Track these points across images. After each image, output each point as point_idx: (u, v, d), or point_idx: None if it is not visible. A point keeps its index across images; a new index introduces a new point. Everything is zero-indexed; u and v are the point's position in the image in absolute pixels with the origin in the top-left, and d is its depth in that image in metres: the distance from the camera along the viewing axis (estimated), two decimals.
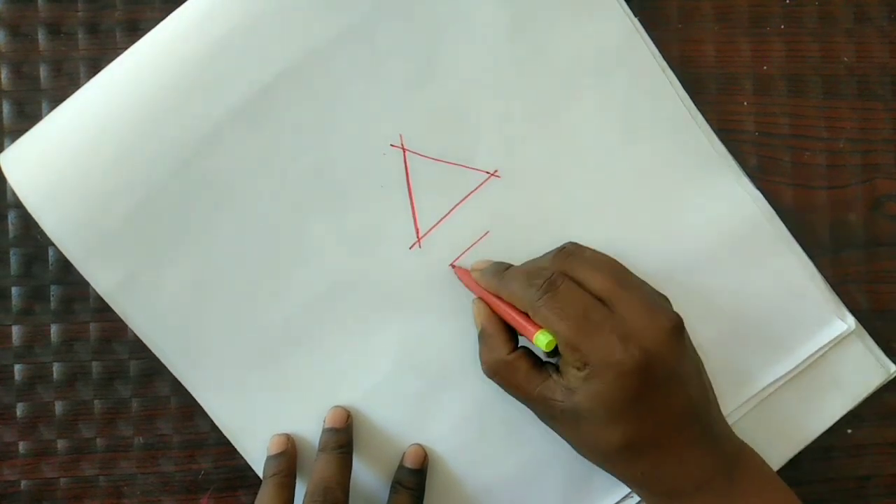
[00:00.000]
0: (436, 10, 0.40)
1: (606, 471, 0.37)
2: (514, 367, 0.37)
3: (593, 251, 0.39)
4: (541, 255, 0.40)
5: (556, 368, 0.37)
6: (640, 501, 0.42)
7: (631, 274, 0.38)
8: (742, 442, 0.38)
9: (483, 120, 0.41)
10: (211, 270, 0.40)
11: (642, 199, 0.42)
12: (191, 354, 0.41)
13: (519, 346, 0.38)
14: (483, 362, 0.39)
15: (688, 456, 0.36)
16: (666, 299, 0.38)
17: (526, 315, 0.36)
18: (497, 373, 0.38)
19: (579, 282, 0.36)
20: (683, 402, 0.36)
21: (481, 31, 0.41)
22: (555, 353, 0.36)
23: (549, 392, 0.36)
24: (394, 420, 0.42)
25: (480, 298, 0.39)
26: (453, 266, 0.41)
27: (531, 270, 0.37)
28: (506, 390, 0.38)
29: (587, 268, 0.37)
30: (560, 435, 0.38)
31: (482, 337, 0.39)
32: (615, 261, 0.38)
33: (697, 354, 0.38)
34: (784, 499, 0.37)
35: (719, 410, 0.38)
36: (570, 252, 0.38)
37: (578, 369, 0.35)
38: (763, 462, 0.38)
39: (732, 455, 0.37)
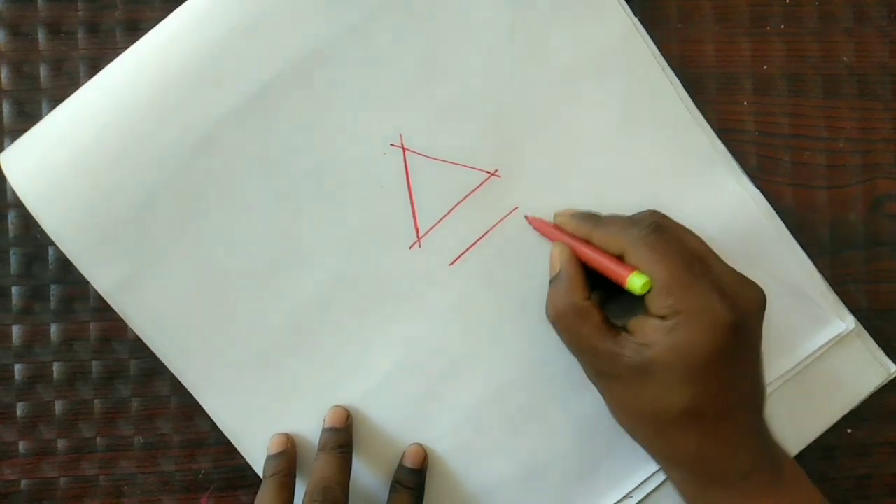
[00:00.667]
0: (436, 9, 0.40)
1: (647, 445, 0.36)
2: (587, 313, 0.36)
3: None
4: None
5: (626, 329, 0.35)
6: (643, 498, 0.42)
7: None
8: (781, 445, 0.37)
9: (483, 120, 0.41)
10: (210, 270, 0.40)
11: (642, 199, 0.42)
12: (190, 354, 0.41)
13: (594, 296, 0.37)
14: (551, 304, 0.37)
15: (743, 437, 0.35)
16: (749, 279, 0.37)
17: (617, 260, 0.35)
18: (565, 317, 0.36)
19: (678, 237, 0.36)
20: (753, 379, 0.35)
21: (481, 30, 0.41)
22: (640, 299, 0.35)
23: (619, 347, 0.35)
24: (394, 420, 0.42)
25: (562, 243, 0.38)
26: (528, 217, 0.41)
27: (629, 217, 0.37)
28: (565, 337, 0.37)
29: (683, 228, 0.36)
30: (611, 395, 0.36)
31: (557, 280, 0.37)
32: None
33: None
34: (818, 500, 0.37)
35: (766, 405, 0.37)
36: (663, 214, 0.37)
37: (664, 318, 0.34)
38: (797, 464, 0.38)
39: (776, 447, 0.37)
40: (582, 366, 0.38)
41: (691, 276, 0.34)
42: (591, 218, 0.38)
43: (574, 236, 0.38)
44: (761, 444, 0.36)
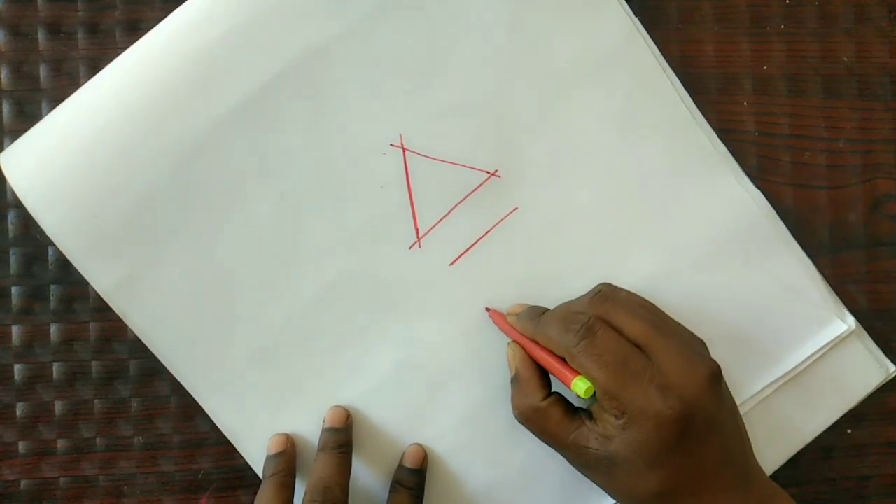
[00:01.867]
0: (436, 10, 0.40)
1: None
2: (547, 413, 0.37)
3: (628, 293, 0.39)
4: (574, 298, 0.40)
5: (590, 415, 0.36)
6: None
7: (668, 318, 0.38)
8: (774, 485, 0.38)
9: (483, 120, 0.41)
10: (210, 270, 0.40)
11: (642, 199, 0.42)
12: (190, 354, 0.41)
13: (552, 392, 0.38)
14: (515, 407, 0.38)
15: (723, 501, 0.35)
16: (703, 344, 0.38)
17: (563, 360, 0.36)
18: (529, 419, 0.37)
19: (617, 328, 0.36)
20: (720, 449, 0.35)
21: (481, 30, 0.41)
22: (591, 399, 0.35)
23: (583, 440, 0.36)
24: (393, 420, 0.42)
25: (516, 342, 0.39)
26: (488, 309, 0.41)
27: (568, 315, 0.37)
28: (538, 436, 0.38)
29: (624, 313, 0.37)
30: (594, 482, 0.37)
31: (515, 381, 0.38)
32: (652, 305, 0.38)
33: (732, 398, 0.38)
34: None
35: (752, 453, 0.38)
36: (607, 296, 0.38)
37: (616, 417, 0.34)
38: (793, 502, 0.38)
39: (766, 498, 0.37)
40: (562, 457, 0.38)
41: (629, 377, 0.34)
42: (534, 318, 0.38)
43: (525, 335, 0.39)
44: (746, 497, 0.36)
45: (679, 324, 0.38)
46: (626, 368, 0.34)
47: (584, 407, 0.37)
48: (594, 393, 0.35)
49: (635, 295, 0.39)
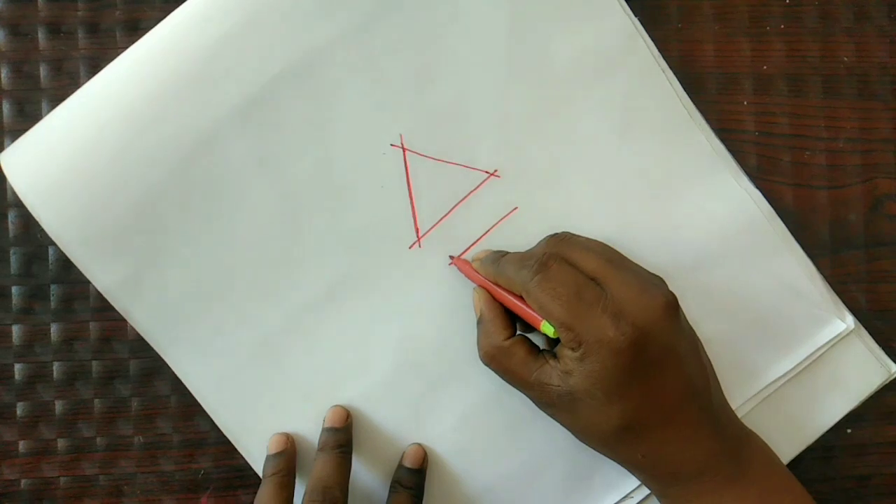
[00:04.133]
0: (436, 9, 0.40)
1: (608, 456, 0.37)
2: (510, 352, 0.37)
3: (586, 237, 0.39)
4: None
5: (553, 355, 0.37)
6: (641, 502, 0.42)
7: (623, 256, 0.38)
8: (747, 428, 0.38)
9: (483, 120, 0.41)
10: (210, 269, 0.40)
11: (642, 199, 0.42)
12: (191, 352, 0.41)
13: (517, 333, 0.38)
14: (480, 348, 0.38)
15: (689, 437, 0.36)
16: (661, 279, 0.38)
17: (525, 303, 0.37)
18: (494, 358, 0.38)
19: (572, 263, 0.36)
20: (681, 380, 0.35)
21: (481, 30, 0.41)
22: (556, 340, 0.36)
23: (546, 377, 0.36)
24: (393, 420, 0.42)
25: (480, 287, 0.39)
26: (452, 257, 0.41)
27: (524, 255, 0.38)
28: (503, 377, 0.38)
29: (579, 249, 0.37)
30: (559, 421, 0.38)
31: (480, 323, 0.39)
32: (607, 245, 0.38)
33: (695, 334, 0.38)
34: (790, 486, 0.37)
35: (721, 394, 0.38)
36: (563, 237, 0.39)
37: (573, 350, 0.35)
38: (769, 449, 0.38)
39: (737, 439, 0.37)
40: (528, 398, 0.38)
41: (582, 307, 0.35)
42: (494, 261, 0.39)
43: (488, 279, 0.39)
44: (714, 434, 0.36)
45: (636, 263, 0.38)
46: (580, 299, 0.35)
47: (548, 350, 0.37)
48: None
49: (592, 239, 0.39)
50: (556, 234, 0.39)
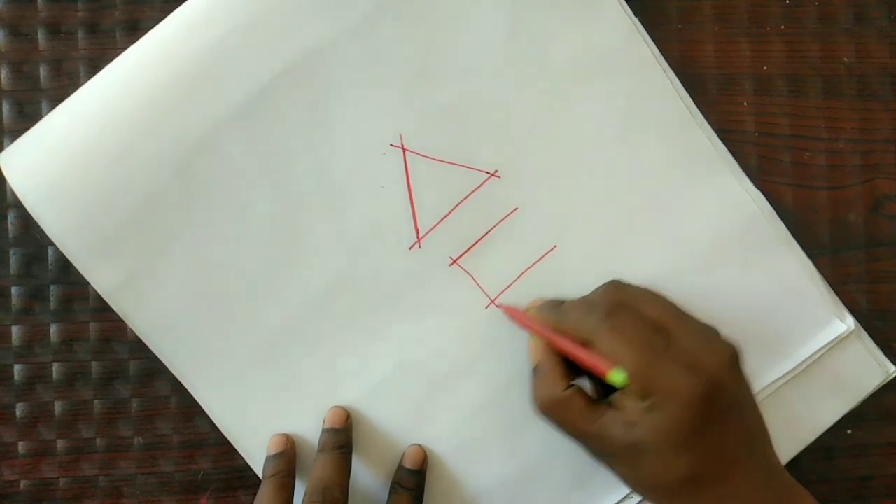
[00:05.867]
0: (436, 10, 0.40)
1: None
2: (569, 403, 0.36)
3: (639, 286, 0.38)
4: (577, 298, 0.39)
5: (610, 404, 0.36)
6: (641, 502, 0.42)
7: (680, 307, 0.37)
8: (796, 482, 0.37)
9: (483, 120, 0.41)
10: (211, 270, 0.40)
11: (642, 199, 0.42)
12: (191, 354, 0.41)
13: (572, 383, 0.37)
14: (536, 399, 0.37)
15: (750, 488, 0.35)
16: (716, 330, 0.37)
17: (589, 351, 0.36)
18: (551, 409, 0.37)
19: (637, 311, 0.36)
20: (745, 432, 0.35)
21: (481, 30, 0.41)
22: (612, 388, 0.35)
23: (606, 429, 0.35)
24: (393, 420, 0.42)
25: (537, 334, 0.38)
26: (500, 306, 0.41)
27: (587, 301, 0.37)
28: (558, 428, 0.37)
29: (642, 299, 0.37)
30: (616, 473, 0.37)
31: (537, 373, 0.38)
32: (664, 295, 0.38)
33: (750, 383, 0.37)
34: None
35: (772, 443, 0.37)
36: (621, 286, 0.38)
37: (642, 399, 0.34)
38: (814, 500, 0.37)
39: (787, 489, 0.37)
40: (583, 449, 0.37)
41: (653, 356, 0.34)
42: (554, 309, 0.38)
43: (546, 327, 0.38)
44: (770, 485, 0.36)
45: (690, 313, 0.37)
46: (651, 347, 0.34)
47: (604, 398, 0.37)
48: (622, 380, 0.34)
49: (646, 288, 0.38)
50: (613, 281, 0.39)
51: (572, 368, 0.37)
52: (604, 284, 0.39)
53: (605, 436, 0.35)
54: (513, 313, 0.40)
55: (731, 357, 0.35)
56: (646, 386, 0.34)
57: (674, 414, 0.34)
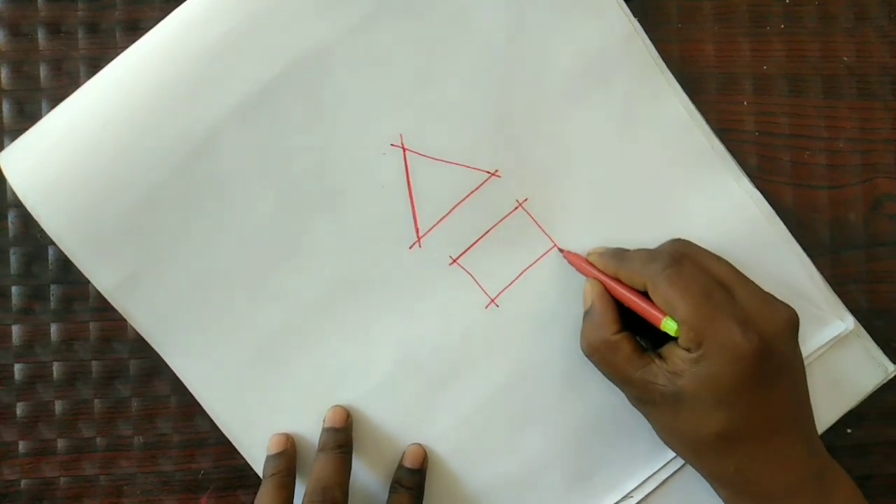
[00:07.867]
0: (436, 10, 0.40)
1: (693, 465, 0.37)
2: (617, 346, 0.37)
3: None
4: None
5: (659, 356, 0.36)
6: (641, 501, 0.42)
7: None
8: (831, 458, 0.38)
9: (483, 120, 0.41)
10: (211, 269, 0.40)
11: (642, 199, 0.42)
12: (191, 353, 0.41)
13: (623, 329, 0.38)
14: (584, 339, 0.38)
15: (786, 456, 0.35)
16: (776, 298, 0.37)
17: (647, 299, 0.36)
18: (598, 350, 0.37)
19: (702, 265, 0.36)
20: (790, 397, 0.35)
21: (481, 30, 0.41)
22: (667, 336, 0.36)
23: (651, 375, 0.36)
24: (393, 420, 0.42)
25: (595, 279, 0.39)
26: (562, 250, 0.41)
27: (651, 251, 0.38)
28: (602, 370, 0.38)
29: (708, 255, 0.37)
30: (651, 420, 0.37)
31: (589, 314, 0.38)
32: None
33: (801, 355, 0.38)
34: None
35: (814, 420, 0.37)
36: (687, 242, 0.39)
37: (689, 350, 0.35)
38: (851, 481, 0.38)
39: (825, 467, 0.37)
40: (623, 393, 0.38)
41: (711, 308, 0.34)
42: (617, 255, 0.39)
43: (605, 273, 0.39)
44: (806, 462, 0.36)
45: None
46: (709, 300, 0.35)
47: (651, 349, 0.37)
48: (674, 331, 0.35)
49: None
50: (680, 238, 0.39)
51: (625, 319, 0.38)
52: (670, 240, 0.39)
53: (649, 382, 0.36)
54: (572, 258, 0.41)
55: (789, 322, 0.36)
56: (698, 336, 0.34)
57: (722, 368, 0.34)
